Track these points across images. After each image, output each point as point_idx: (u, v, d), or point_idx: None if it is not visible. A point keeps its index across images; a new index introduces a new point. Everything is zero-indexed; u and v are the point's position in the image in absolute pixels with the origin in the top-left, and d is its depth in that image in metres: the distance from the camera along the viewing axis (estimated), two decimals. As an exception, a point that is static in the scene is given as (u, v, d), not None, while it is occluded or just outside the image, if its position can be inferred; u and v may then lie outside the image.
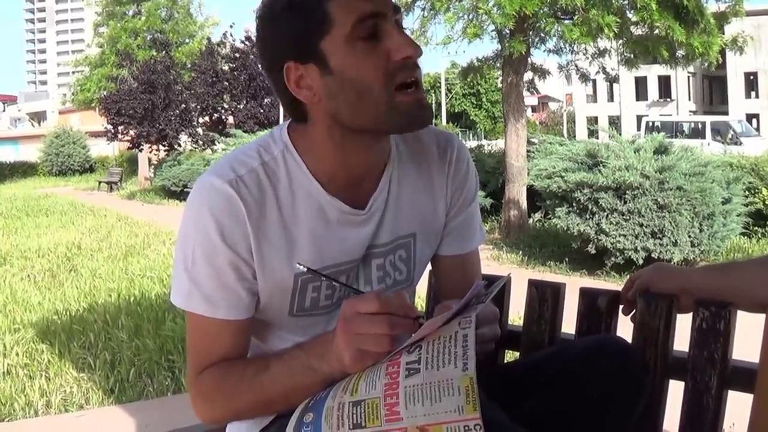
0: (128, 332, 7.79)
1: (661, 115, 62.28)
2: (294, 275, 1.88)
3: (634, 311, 2.17)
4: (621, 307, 2.21)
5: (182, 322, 7.75)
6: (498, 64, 17.21)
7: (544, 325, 2.30)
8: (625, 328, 2.17)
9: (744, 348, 2.10)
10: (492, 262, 12.64)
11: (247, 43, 35.71)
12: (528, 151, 15.66)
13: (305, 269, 1.80)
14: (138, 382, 6.49)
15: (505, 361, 2.52)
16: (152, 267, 12.53)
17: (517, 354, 2.37)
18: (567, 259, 12.23)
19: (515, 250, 13.74)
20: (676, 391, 2.09)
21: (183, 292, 1.86)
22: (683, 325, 2.08)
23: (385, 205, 1.98)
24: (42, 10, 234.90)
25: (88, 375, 6.72)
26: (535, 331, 2.32)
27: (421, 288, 2.39)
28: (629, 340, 2.09)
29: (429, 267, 2.23)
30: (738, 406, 2.04)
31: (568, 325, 2.28)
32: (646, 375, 2.01)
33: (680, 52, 15.54)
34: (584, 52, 17.72)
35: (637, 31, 15.66)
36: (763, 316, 1.93)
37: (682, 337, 2.08)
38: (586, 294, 2.24)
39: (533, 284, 2.35)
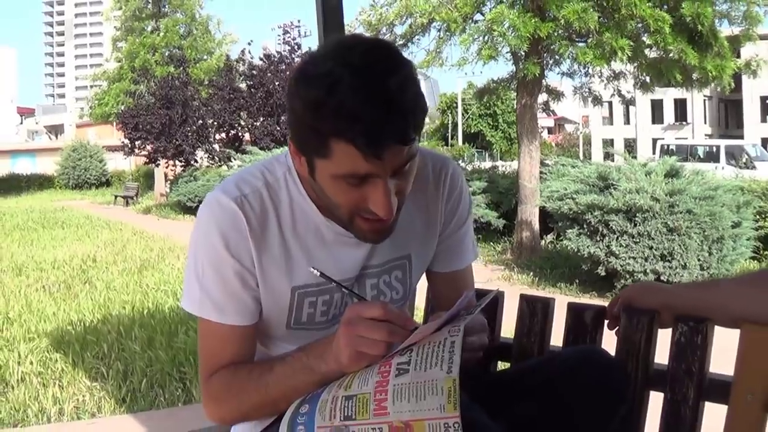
0: (141, 344, 7.89)
1: (676, 138, 62.06)
2: (291, 289, 2.03)
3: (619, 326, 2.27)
4: (606, 322, 2.31)
5: (194, 335, 7.85)
6: (513, 86, 17.29)
7: (534, 338, 2.40)
8: (609, 341, 2.27)
9: (722, 362, 2.20)
10: (503, 282, 12.64)
11: (264, 60, 35.83)
12: (541, 172, 15.72)
13: (318, 273, 1.92)
14: (150, 392, 6.60)
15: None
16: (166, 281, 12.62)
17: (508, 364, 2.47)
18: (577, 281, 12.25)
19: (526, 271, 13.77)
20: (657, 401, 2.19)
21: (195, 299, 2.02)
22: (667, 340, 2.18)
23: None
24: (61, 23, 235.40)
25: (100, 384, 6.82)
26: (526, 342, 2.42)
27: (420, 301, 2.51)
28: (613, 352, 2.19)
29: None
30: (714, 417, 2.14)
31: (559, 339, 2.38)
32: (626, 385, 2.11)
33: (695, 75, 15.59)
34: (599, 74, 17.79)
35: (651, 54, 15.72)
36: (738, 331, 2.04)
37: (666, 351, 2.18)
38: (573, 309, 2.34)
39: (524, 299, 2.45)
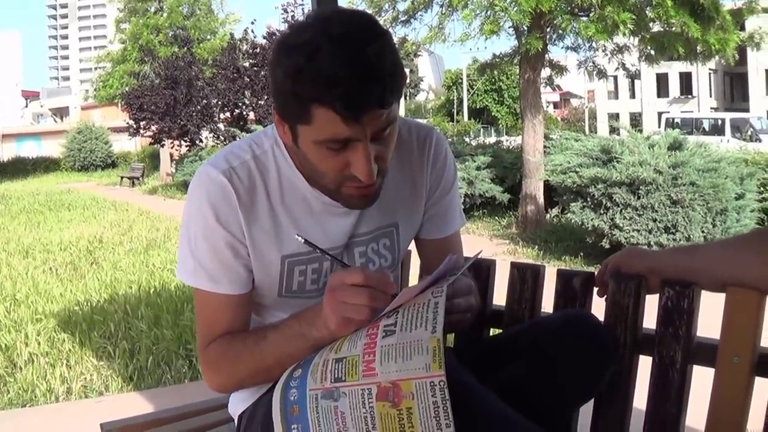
0: (147, 322, 7.93)
1: (682, 111, 61.97)
2: (280, 258, 2.08)
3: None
4: (596, 289, 2.35)
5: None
6: (516, 61, 17.25)
7: (525, 304, 2.45)
8: (598, 307, 2.31)
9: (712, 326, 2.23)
10: (508, 256, 12.54)
11: (267, 39, 35.74)
12: (545, 146, 15.68)
13: (303, 240, 1.97)
14: (156, 369, 6.63)
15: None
16: (172, 260, 12.60)
17: (500, 331, 2.51)
18: (582, 254, 12.24)
19: (531, 245, 13.76)
20: (646, 366, 2.22)
21: (189, 270, 2.08)
22: (655, 305, 2.21)
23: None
24: (64, 6, 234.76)
25: (107, 363, 6.86)
26: (516, 309, 2.47)
27: (415, 269, 2.54)
28: (603, 318, 2.23)
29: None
30: (702, 380, 2.17)
31: (550, 306, 2.41)
32: (613, 347, 2.16)
33: (698, 48, 15.53)
34: (603, 48, 17.72)
35: (654, 27, 15.67)
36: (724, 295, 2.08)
37: (654, 316, 2.21)
38: (562, 275, 2.38)
39: (515, 266, 2.50)
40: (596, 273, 2.36)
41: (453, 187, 2.36)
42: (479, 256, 2.16)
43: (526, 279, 2.46)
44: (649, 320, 2.23)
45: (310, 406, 1.79)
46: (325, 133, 1.83)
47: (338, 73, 1.74)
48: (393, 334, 1.72)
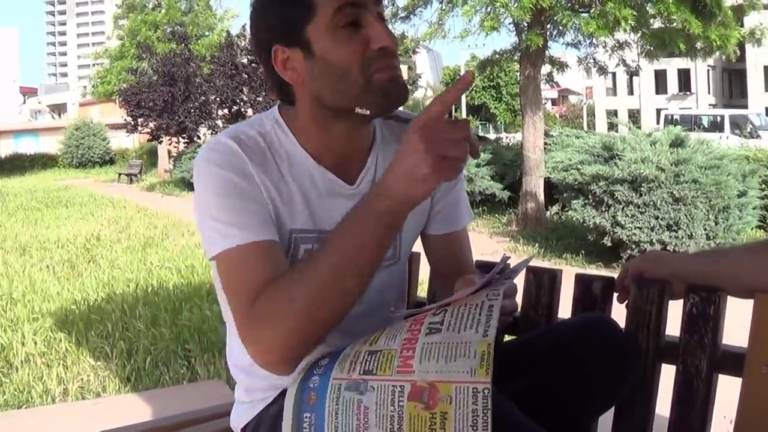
0: (145, 322, 7.85)
1: (680, 108, 62.09)
2: (289, 231, 1.99)
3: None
4: (616, 295, 2.26)
5: (199, 312, 7.86)
6: (516, 57, 17.20)
7: (541, 310, 2.37)
8: (619, 313, 2.22)
9: (736, 333, 2.15)
10: (509, 254, 12.42)
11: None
12: (545, 143, 15.66)
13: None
14: (154, 370, 6.54)
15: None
16: (170, 258, 12.56)
17: (515, 337, 2.42)
18: (583, 252, 12.19)
19: (532, 243, 13.72)
20: (670, 374, 2.14)
21: (215, 238, 1.88)
22: (678, 311, 2.13)
23: (372, 184, 2.06)
24: (62, 2, 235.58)
25: (105, 363, 6.78)
26: (533, 315, 2.39)
27: (423, 272, 2.46)
28: (623, 325, 2.15)
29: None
30: (728, 389, 2.09)
31: (566, 311, 2.33)
32: (634, 354, 2.08)
33: (698, 45, 15.49)
34: (603, 45, 17.68)
35: (655, 24, 15.62)
36: (752, 301, 1.99)
37: (677, 323, 2.13)
38: (581, 280, 2.30)
39: (531, 271, 2.42)
40: (616, 278, 2.27)
41: (460, 179, 2.31)
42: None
43: (542, 284, 2.37)
44: (673, 327, 2.15)
45: (330, 396, 1.69)
46: (332, 6, 1.87)
47: None
48: (438, 332, 1.63)
